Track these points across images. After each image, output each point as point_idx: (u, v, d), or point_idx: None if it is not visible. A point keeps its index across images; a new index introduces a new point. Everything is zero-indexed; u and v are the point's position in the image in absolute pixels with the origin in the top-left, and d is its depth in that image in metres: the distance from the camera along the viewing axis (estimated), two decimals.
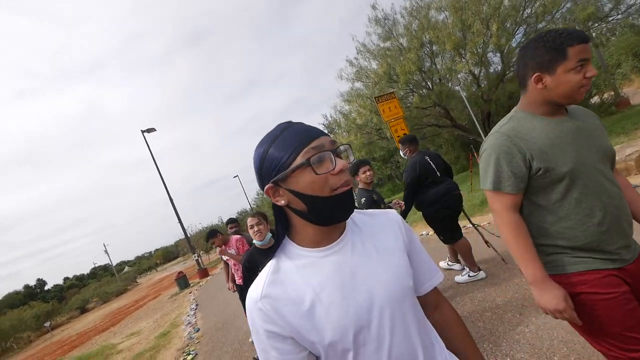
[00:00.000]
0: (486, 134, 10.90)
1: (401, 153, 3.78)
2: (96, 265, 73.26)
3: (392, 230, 0.78)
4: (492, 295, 3.05)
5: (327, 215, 0.67)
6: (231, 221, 4.89)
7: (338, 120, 14.54)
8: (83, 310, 37.54)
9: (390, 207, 3.31)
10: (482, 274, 3.47)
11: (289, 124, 0.70)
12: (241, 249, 4.01)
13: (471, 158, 7.06)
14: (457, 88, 10.27)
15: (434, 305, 0.85)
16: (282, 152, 0.65)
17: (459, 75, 10.41)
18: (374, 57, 11.33)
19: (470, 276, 3.51)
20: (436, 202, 3.36)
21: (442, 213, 3.39)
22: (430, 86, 11.19)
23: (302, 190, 0.65)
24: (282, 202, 0.68)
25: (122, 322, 13.96)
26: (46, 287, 65.89)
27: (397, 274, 0.73)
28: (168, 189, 14.02)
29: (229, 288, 4.46)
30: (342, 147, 0.71)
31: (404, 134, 5.47)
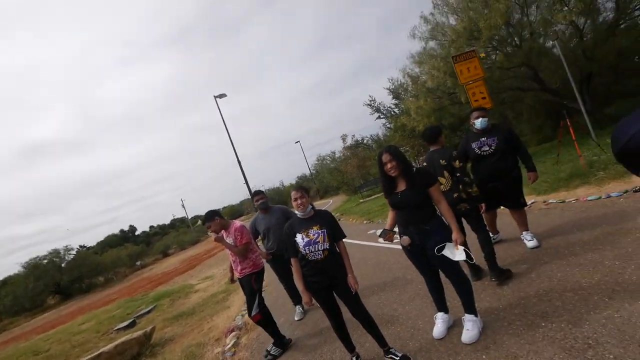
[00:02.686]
0: (584, 99, 9.33)
1: (479, 122, 3.51)
2: (175, 217, 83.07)
3: None
4: (576, 276, 2.74)
5: None
6: (258, 193, 4.32)
7: (405, 84, 13.70)
8: (165, 254, 43.56)
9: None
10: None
11: None
12: (239, 240, 3.37)
13: (562, 126, 6.09)
14: (550, 44, 8.78)
15: None
16: None
17: (556, 28, 8.83)
18: (452, 12, 10.17)
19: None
20: None
21: None
22: (518, 43, 9.74)
23: None
24: None
25: (197, 267, 15.92)
26: (136, 233, 77.19)
27: None
28: (237, 151, 15.00)
29: (230, 279, 3.94)
30: None
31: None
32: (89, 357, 4.70)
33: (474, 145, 3.52)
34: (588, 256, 2.98)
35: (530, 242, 3.60)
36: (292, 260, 2.57)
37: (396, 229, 2.60)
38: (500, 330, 2.42)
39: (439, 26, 10.52)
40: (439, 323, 2.68)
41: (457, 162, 3.06)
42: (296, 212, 2.59)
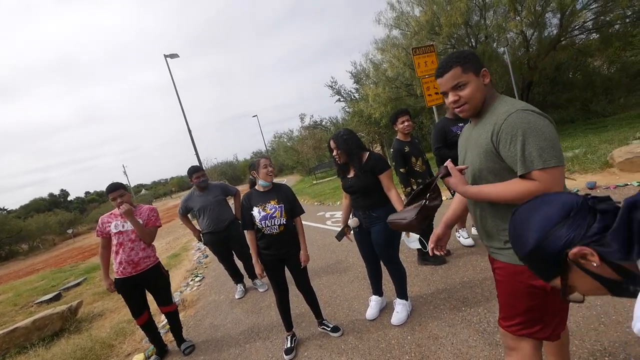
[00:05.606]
0: None
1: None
2: None
3: None
4: None
5: None
6: (197, 169, 3.94)
7: (367, 70, 13.76)
8: None
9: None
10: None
11: None
12: (153, 221, 2.94)
13: None
14: (502, 49, 9.37)
15: None
16: None
17: (507, 35, 9.43)
18: (418, 3, 10.29)
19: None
20: None
21: None
22: (474, 44, 10.25)
23: None
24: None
25: None
26: (69, 198, 70.38)
27: None
28: (187, 119, 14.04)
29: (107, 287, 2.97)
30: None
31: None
32: (2, 332, 4.25)
33: (454, 129, 3.47)
34: None
35: (466, 240, 3.78)
36: (247, 232, 2.55)
37: (352, 223, 2.67)
38: (427, 313, 2.62)
39: (404, 15, 10.62)
40: (373, 305, 2.82)
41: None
42: (259, 181, 2.54)
